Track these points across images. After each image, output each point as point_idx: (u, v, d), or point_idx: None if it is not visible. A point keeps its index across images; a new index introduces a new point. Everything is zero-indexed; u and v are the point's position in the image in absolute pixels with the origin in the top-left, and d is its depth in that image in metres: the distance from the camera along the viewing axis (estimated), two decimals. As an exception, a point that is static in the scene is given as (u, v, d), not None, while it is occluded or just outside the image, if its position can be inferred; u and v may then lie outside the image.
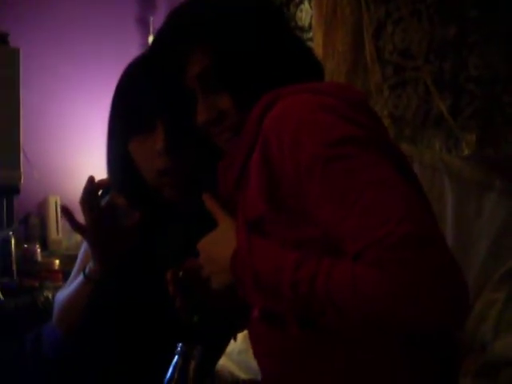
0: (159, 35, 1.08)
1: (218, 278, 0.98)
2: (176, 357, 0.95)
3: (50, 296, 1.85)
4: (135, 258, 1.30)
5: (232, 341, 1.32)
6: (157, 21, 2.87)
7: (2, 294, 1.86)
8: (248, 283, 0.91)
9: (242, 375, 1.62)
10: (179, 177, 1.19)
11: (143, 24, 2.95)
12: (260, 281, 0.89)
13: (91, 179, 1.15)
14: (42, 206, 2.65)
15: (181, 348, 0.95)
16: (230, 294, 0.97)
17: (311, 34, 2.08)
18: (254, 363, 1.19)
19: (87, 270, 1.25)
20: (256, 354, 1.09)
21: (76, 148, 2.68)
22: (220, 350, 1.36)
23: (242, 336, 1.37)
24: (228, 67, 1.00)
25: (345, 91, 0.99)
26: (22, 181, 2.39)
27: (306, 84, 0.97)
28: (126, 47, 2.69)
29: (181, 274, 1.05)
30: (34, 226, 2.54)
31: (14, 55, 2.35)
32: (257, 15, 1.04)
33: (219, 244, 0.98)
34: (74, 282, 1.32)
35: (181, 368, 0.94)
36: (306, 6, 2.15)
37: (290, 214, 0.92)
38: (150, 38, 2.85)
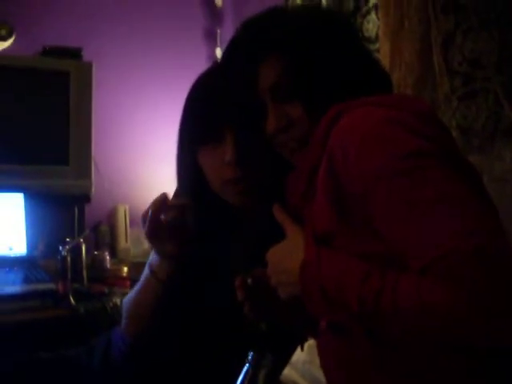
0: (232, 45, 1.10)
1: (286, 289, 0.99)
2: (246, 365, 0.96)
3: (118, 302, 1.88)
4: (204, 264, 1.32)
5: (298, 350, 1.32)
6: (224, 33, 2.90)
7: (73, 300, 1.90)
8: (315, 296, 0.91)
9: (307, 386, 1.61)
10: (249, 184, 1.20)
11: (211, 36, 2.99)
12: (327, 294, 0.89)
13: (164, 197, 1.21)
14: (112, 215, 2.71)
15: (252, 357, 0.95)
16: (297, 304, 0.97)
17: (378, 44, 2.06)
18: (318, 374, 1.19)
19: (153, 268, 1.28)
20: (323, 366, 1.08)
21: (145, 159, 2.73)
22: (286, 359, 1.35)
23: (307, 346, 1.36)
24: (301, 76, 1.01)
25: (412, 103, 0.98)
26: (92, 190, 2.45)
27: (372, 97, 0.97)
28: (194, 59, 2.73)
29: (250, 280, 1.06)
30: (103, 233, 2.60)
31: (87, 69, 2.42)
32: (328, 26, 1.06)
33: (288, 255, 0.98)
34: (139, 283, 1.35)
35: (251, 377, 0.95)
36: (372, 16, 2.13)
37: (357, 228, 0.92)
38: (218, 50, 2.89)
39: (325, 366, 1.08)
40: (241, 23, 1.10)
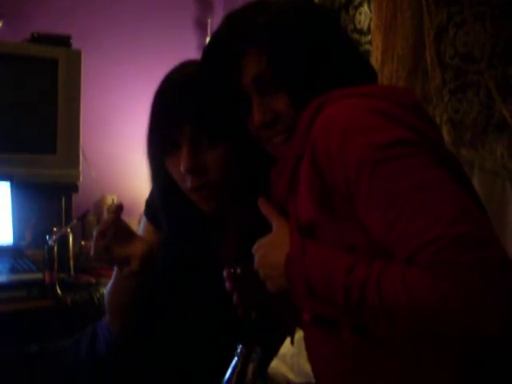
0: (215, 37, 1.09)
1: (274, 282, 0.99)
2: (235, 358, 0.95)
3: (105, 292, 1.88)
4: (188, 262, 1.32)
5: (287, 343, 1.31)
6: (214, 23, 2.89)
7: (60, 290, 1.89)
8: (301, 288, 0.91)
9: (295, 378, 1.62)
10: (211, 191, 1.20)
11: (201, 26, 2.97)
12: (312, 286, 0.89)
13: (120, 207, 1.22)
14: (99, 205, 2.70)
15: (240, 350, 0.95)
16: (286, 295, 0.97)
17: (370, 37, 2.06)
18: (306, 366, 1.19)
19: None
20: (310, 359, 1.08)
21: (134, 149, 2.70)
22: (274, 351, 1.35)
23: (295, 339, 1.36)
24: (284, 68, 1.00)
25: (397, 94, 0.98)
26: (80, 180, 2.44)
27: (354, 87, 0.96)
28: (185, 49, 2.72)
29: (238, 270, 1.05)
30: (90, 223, 2.58)
31: (76, 57, 2.39)
32: (312, 18, 1.04)
33: (275, 248, 0.98)
34: (113, 277, 1.34)
35: (240, 370, 0.94)
36: (365, 8, 2.12)
37: (341, 219, 0.91)
38: (208, 40, 2.87)
39: (312, 358, 1.08)
40: (225, 15, 1.09)
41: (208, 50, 1.10)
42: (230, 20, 1.07)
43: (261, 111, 1.02)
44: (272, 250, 0.99)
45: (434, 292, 0.76)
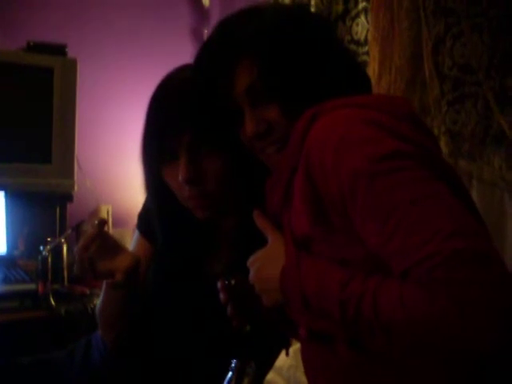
0: (205, 48, 1.07)
1: (269, 297, 0.97)
2: (230, 373, 0.94)
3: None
4: (182, 274, 1.31)
5: (283, 355, 1.30)
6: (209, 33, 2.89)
7: (53, 301, 1.87)
8: (296, 302, 0.89)
9: (292, 391, 1.60)
10: (207, 200, 1.20)
11: (197, 36, 2.97)
12: (308, 300, 0.88)
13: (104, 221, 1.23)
14: (94, 215, 2.67)
15: (235, 364, 0.94)
16: (282, 309, 0.96)
17: (367, 47, 2.05)
18: (303, 379, 1.17)
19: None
20: (307, 372, 1.07)
21: (128, 158, 2.69)
22: (270, 364, 1.34)
23: (292, 351, 1.35)
24: (276, 78, 0.98)
25: (390, 104, 0.96)
26: (75, 189, 2.42)
27: (349, 98, 0.95)
28: (181, 59, 2.70)
29: (233, 282, 1.04)
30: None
31: (72, 66, 2.38)
32: (305, 27, 1.03)
33: (270, 262, 0.97)
34: (102, 293, 1.34)
35: None
36: (362, 19, 2.12)
37: (336, 232, 0.90)
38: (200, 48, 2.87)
39: (308, 372, 1.06)
40: (216, 24, 1.07)
41: (199, 59, 1.08)
42: (222, 28, 1.06)
43: (253, 122, 1.01)
44: (267, 263, 0.97)
45: (431, 309, 0.75)
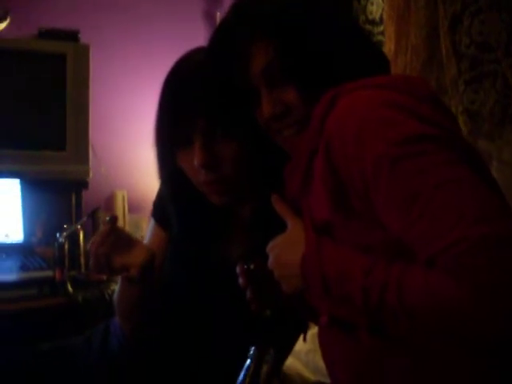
0: (221, 28, 1.05)
1: (289, 283, 0.96)
2: (248, 360, 0.93)
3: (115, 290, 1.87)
4: (199, 260, 1.30)
5: (301, 340, 1.30)
6: (223, 15, 2.86)
7: (71, 288, 1.88)
8: (317, 288, 0.88)
9: (310, 376, 1.60)
10: (223, 185, 1.18)
11: (210, 19, 2.94)
12: (330, 287, 0.86)
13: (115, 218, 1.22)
14: (109, 201, 2.69)
15: (253, 352, 0.93)
16: (301, 295, 0.95)
17: (382, 27, 2.02)
18: (321, 364, 1.16)
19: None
20: (325, 359, 1.06)
21: (143, 144, 2.68)
22: (289, 350, 1.33)
23: (310, 335, 1.34)
24: (293, 59, 0.96)
25: (412, 85, 0.94)
26: (90, 176, 2.43)
27: (369, 79, 0.93)
28: (193, 42, 2.68)
29: (252, 266, 1.03)
30: (101, 220, 2.57)
31: (84, 51, 2.38)
32: (321, 7, 1.01)
33: (289, 247, 0.95)
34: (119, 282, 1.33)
35: (253, 372, 0.93)
36: (377, -2, 2.09)
37: (358, 218, 0.88)
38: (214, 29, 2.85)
39: (326, 359, 1.05)
40: (229, 7, 1.06)
41: (214, 40, 1.06)
42: (238, 9, 1.04)
43: (270, 103, 0.99)
44: (287, 249, 0.96)
45: (457, 295, 0.73)
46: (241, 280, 1.05)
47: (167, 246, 1.37)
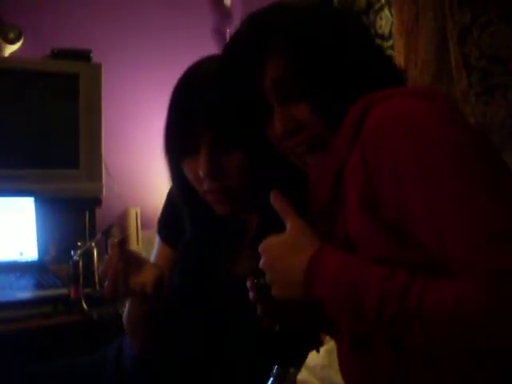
0: (232, 43, 1.04)
1: (280, 287, 0.93)
2: (271, 379, 0.93)
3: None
4: (207, 274, 1.30)
5: (315, 355, 1.29)
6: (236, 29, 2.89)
7: (86, 305, 1.88)
8: (324, 298, 0.86)
9: (326, 391, 1.58)
10: (227, 195, 1.18)
11: (220, 36, 2.97)
12: (340, 297, 0.84)
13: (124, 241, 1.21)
14: (123, 218, 2.69)
15: (276, 371, 0.93)
16: (312, 304, 0.93)
17: (391, 41, 2.03)
18: (337, 379, 1.16)
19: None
20: (342, 372, 1.04)
21: (156, 161, 2.70)
22: (301, 362, 1.32)
23: (324, 351, 1.33)
24: (306, 75, 0.95)
25: (439, 95, 0.93)
26: (103, 193, 2.44)
27: (399, 88, 0.93)
28: (204, 60, 2.71)
29: (262, 280, 0.99)
30: (114, 237, 2.57)
31: (97, 71, 2.40)
32: (334, 22, 1.01)
33: (287, 252, 0.92)
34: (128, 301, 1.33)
35: None
36: (385, 13, 2.09)
37: (386, 230, 0.86)
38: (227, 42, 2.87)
39: (345, 372, 1.04)
40: (242, 20, 1.04)
41: (226, 53, 1.05)
42: (251, 22, 1.03)
43: (282, 120, 0.98)
44: (285, 253, 0.92)
45: (488, 314, 0.72)
46: (251, 295, 1.03)
47: (173, 263, 1.37)
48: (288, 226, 0.95)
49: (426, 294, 0.76)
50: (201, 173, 1.16)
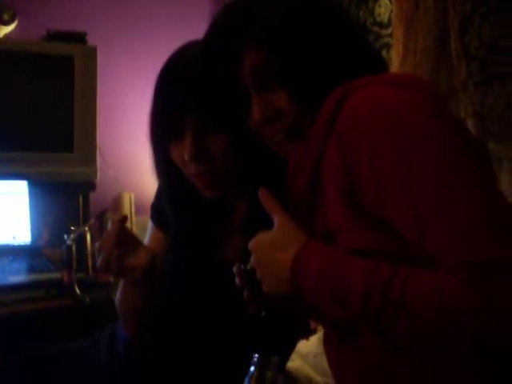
0: (212, 30, 1.04)
1: (270, 284, 0.93)
2: (252, 367, 0.93)
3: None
4: (197, 261, 1.30)
5: (308, 342, 1.29)
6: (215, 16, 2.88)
7: (79, 290, 1.88)
8: (309, 295, 0.86)
9: (318, 378, 1.59)
10: (214, 178, 1.18)
11: (216, 23, 2.95)
12: (323, 293, 0.84)
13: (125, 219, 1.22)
14: (117, 203, 2.68)
15: (257, 359, 0.92)
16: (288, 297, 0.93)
17: (390, 29, 2.01)
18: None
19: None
20: (329, 360, 1.04)
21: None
22: (291, 348, 1.32)
23: (317, 339, 1.33)
24: (285, 62, 0.94)
25: (420, 83, 0.92)
26: (97, 178, 2.42)
27: (378, 75, 0.91)
28: (201, 45, 2.70)
29: (249, 267, 0.99)
30: (108, 222, 2.57)
31: (92, 53, 2.38)
32: (314, 10, 0.99)
33: (276, 247, 0.92)
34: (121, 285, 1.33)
35: (257, 379, 0.92)
36: (385, 0, 2.08)
37: (367, 221, 0.85)
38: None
39: (330, 360, 1.05)
40: (222, 7, 1.04)
41: (206, 41, 1.05)
42: (229, 10, 1.03)
43: (260, 107, 0.97)
44: (273, 248, 0.92)
45: (472, 304, 0.72)
46: (237, 280, 1.03)
47: (166, 246, 1.37)
48: (276, 222, 0.95)
49: (408, 284, 0.76)
50: (186, 156, 1.16)
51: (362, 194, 0.85)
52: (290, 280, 0.88)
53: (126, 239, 1.21)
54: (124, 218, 1.22)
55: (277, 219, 0.95)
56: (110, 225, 1.22)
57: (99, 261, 1.21)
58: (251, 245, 0.96)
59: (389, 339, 0.84)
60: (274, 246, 0.92)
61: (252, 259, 0.95)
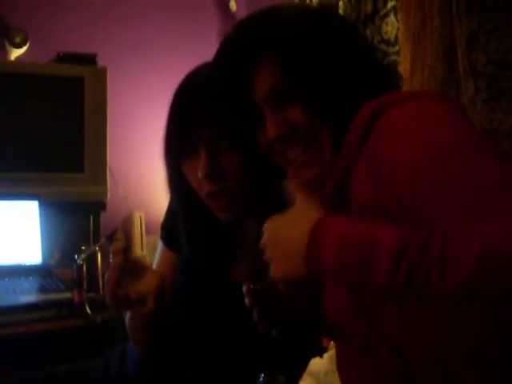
0: (224, 48, 1.03)
1: (281, 264, 0.89)
2: None
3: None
4: (208, 280, 1.29)
5: (319, 361, 1.28)
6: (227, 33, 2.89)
7: (89, 309, 1.88)
8: (328, 264, 0.81)
9: (329, 397, 1.58)
10: (228, 199, 1.18)
11: (226, 40, 2.97)
12: (348, 260, 0.79)
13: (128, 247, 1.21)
14: (127, 222, 2.68)
15: (263, 378, 0.92)
16: (308, 305, 0.92)
17: (397, 47, 2.02)
18: (340, 384, 1.15)
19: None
20: (341, 376, 1.04)
21: (160, 165, 2.70)
22: (301, 369, 1.31)
23: (328, 356, 1.33)
24: (300, 79, 0.95)
25: (448, 98, 0.94)
26: (108, 197, 2.43)
27: (410, 91, 0.92)
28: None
29: (259, 286, 0.99)
30: (118, 242, 2.57)
31: (102, 74, 2.40)
32: (328, 28, 1.00)
33: (291, 223, 0.89)
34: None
35: None
36: (391, 18, 2.09)
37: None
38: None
39: (343, 377, 1.04)
40: (235, 24, 1.04)
41: (218, 60, 1.04)
42: (242, 28, 1.03)
43: (276, 125, 0.97)
44: (290, 225, 0.88)
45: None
46: (247, 300, 1.02)
47: (176, 267, 1.37)
48: (296, 201, 0.94)
49: (448, 242, 0.72)
50: (200, 173, 1.16)
51: (393, 210, 0.83)
52: (306, 255, 0.82)
53: (130, 268, 1.20)
54: (126, 248, 1.21)
55: (299, 199, 0.94)
56: (112, 257, 1.20)
57: (107, 298, 1.20)
58: (266, 225, 0.93)
59: (416, 300, 0.77)
60: (290, 222, 0.89)
61: (264, 238, 0.92)
